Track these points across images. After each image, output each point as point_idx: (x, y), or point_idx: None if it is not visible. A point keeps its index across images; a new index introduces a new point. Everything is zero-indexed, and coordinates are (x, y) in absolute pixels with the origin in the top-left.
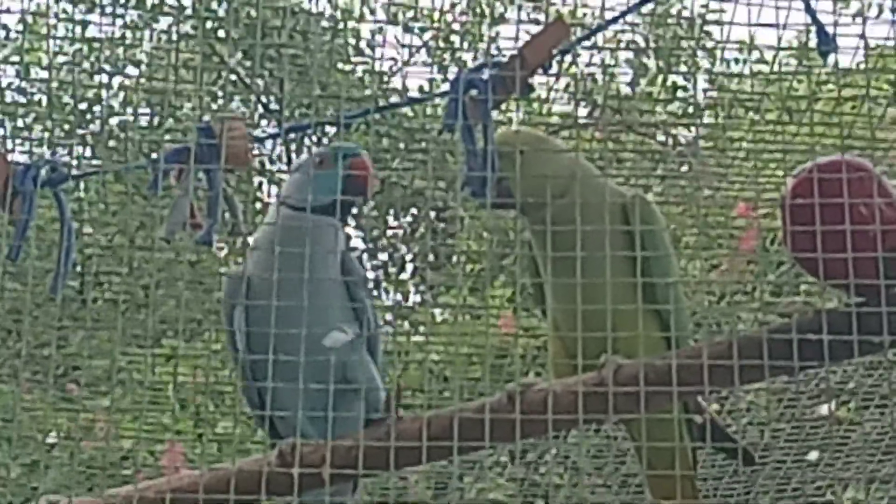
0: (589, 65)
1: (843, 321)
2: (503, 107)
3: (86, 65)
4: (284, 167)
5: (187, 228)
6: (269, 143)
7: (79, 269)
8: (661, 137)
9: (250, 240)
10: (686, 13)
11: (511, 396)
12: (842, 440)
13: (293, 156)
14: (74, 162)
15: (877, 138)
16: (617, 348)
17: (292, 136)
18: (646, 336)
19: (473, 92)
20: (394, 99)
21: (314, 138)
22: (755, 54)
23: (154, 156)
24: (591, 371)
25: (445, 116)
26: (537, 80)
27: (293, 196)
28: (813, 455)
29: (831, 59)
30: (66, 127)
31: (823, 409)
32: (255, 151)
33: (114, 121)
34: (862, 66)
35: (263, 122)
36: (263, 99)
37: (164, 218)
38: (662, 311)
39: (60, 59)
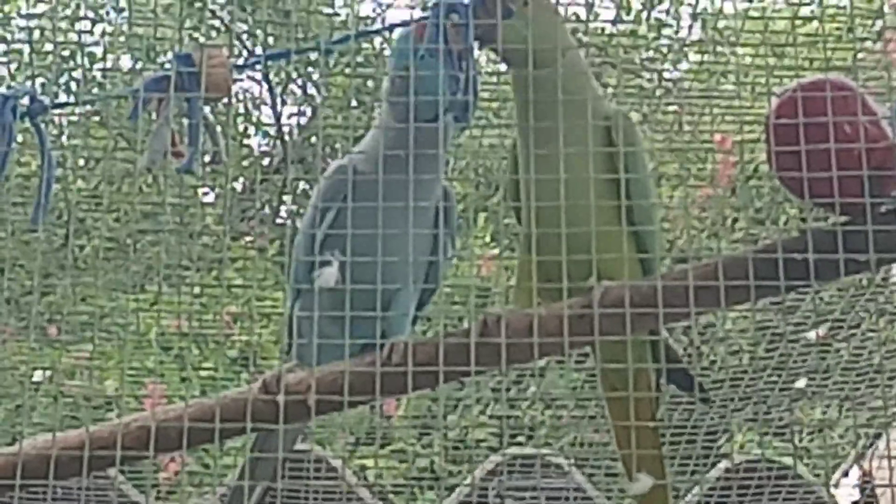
0: (572, 3)
1: (828, 240)
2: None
3: (67, 12)
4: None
5: (168, 157)
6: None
7: (64, 217)
8: (645, 75)
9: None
10: None
11: (486, 323)
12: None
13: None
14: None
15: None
16: (597, 270)
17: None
18: (629, 258)
19: (454, 17)
20: (377, 42)
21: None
22: None
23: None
24: (554, 294)
25: (426, 41)
26: None
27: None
28: (801, 383)
29: None
30: (49, 76)
31: (811, 335)
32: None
33: (96, 69)
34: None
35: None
36: (247, 44)
37: (144, 148)
38: (641, 233)
39: (41, 7)
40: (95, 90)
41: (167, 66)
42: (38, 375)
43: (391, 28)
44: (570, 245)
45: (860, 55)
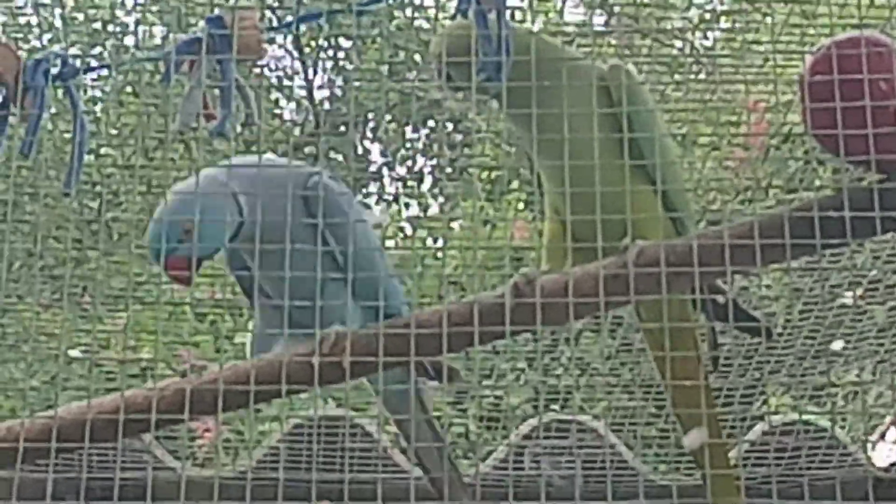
0: None
1: (864, 198)
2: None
3: None
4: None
5: (200, 119)
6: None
7: (97, 188)
8: (677, 43)
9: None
10: None
11: (518, 286)
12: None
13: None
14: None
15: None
16: (625, 231)
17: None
18: (654, 217)
19: None
20: (408, 10)
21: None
22: None
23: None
24: (586, 255)
25: (458, 1)
26: None
27: None
28: (836, 345)
29: None
30: (82, 46)
31: (847, 299)
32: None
33: (128, 41)
34: None
35: (279, 39)
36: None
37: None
38: (668, 192)
39: None
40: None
41: (199, 31)
42: (73, 351)
43: None
44: (592, 206)
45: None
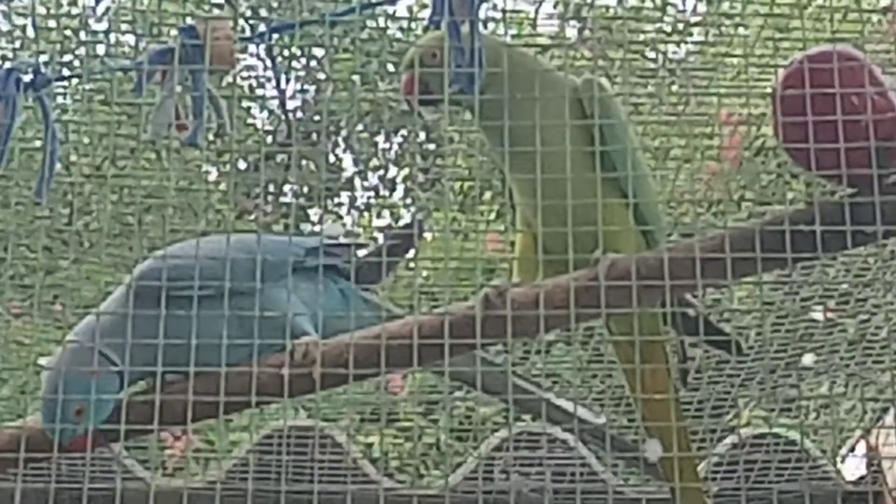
0: None
1: (835, 212)
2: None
3: None
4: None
5: (172, 129)
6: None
7: (68, 196)
8: (650, 55)
9: None
10: None
11: (488, 298)
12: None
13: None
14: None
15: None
16: (596, 244)
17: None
18: (625, 230)
19: None
20: (381, 20)
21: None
22: None
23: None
24: (558, 267)
25: (431, 13)
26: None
27: None
28: (807, 359)
29: None
30: (52, 56)
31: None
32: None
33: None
34: None
35: (251, 48)
36: (251, 23)
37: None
38: (639, 205)
39: None
40: (99, 66)
41: (171, 40)
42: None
43: (395, 0)
44: (562, 219)
45: (867, 29)
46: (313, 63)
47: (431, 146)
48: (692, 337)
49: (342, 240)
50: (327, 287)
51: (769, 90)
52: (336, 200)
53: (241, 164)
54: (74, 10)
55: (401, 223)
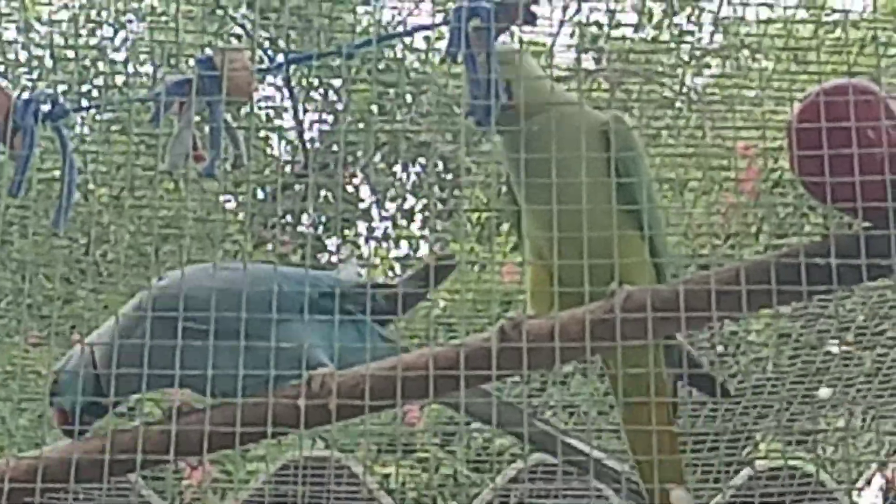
0: (592, 10)
1: (851, 245)
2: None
3: (89, 18)
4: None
5: (189, 160)
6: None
7: (86, 226)
8: (667, 83)
9: None
10: None
11: (504, 330)
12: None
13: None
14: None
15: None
16: (611, 276)
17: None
18: (640, 262)
19: (476, 21)
20: (398, 49)
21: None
22: None
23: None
24: (572, 299)
25: (448, 45)
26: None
27: None
28: (824, 392)
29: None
30: (70, 85)
31: (833, 347)
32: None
33: (117, 79)
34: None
35: (269, 78)
36: (269, 52)
37: (166, 151)
38: (652, 237)
39: (62, 14)
40: (117, 97)
41: (189, 71)
42: None
43: (412, 32)
44: (578, 251)
45: (883, 62)
46: (331, 93)
47: (449, 177)
48: (677, 371)
49: (357, 278)
50: (342, 322)
51: (785, 122)
52: (353, 231)
53: (259, 194)
54: (93, 41)
55: (420, 257)
